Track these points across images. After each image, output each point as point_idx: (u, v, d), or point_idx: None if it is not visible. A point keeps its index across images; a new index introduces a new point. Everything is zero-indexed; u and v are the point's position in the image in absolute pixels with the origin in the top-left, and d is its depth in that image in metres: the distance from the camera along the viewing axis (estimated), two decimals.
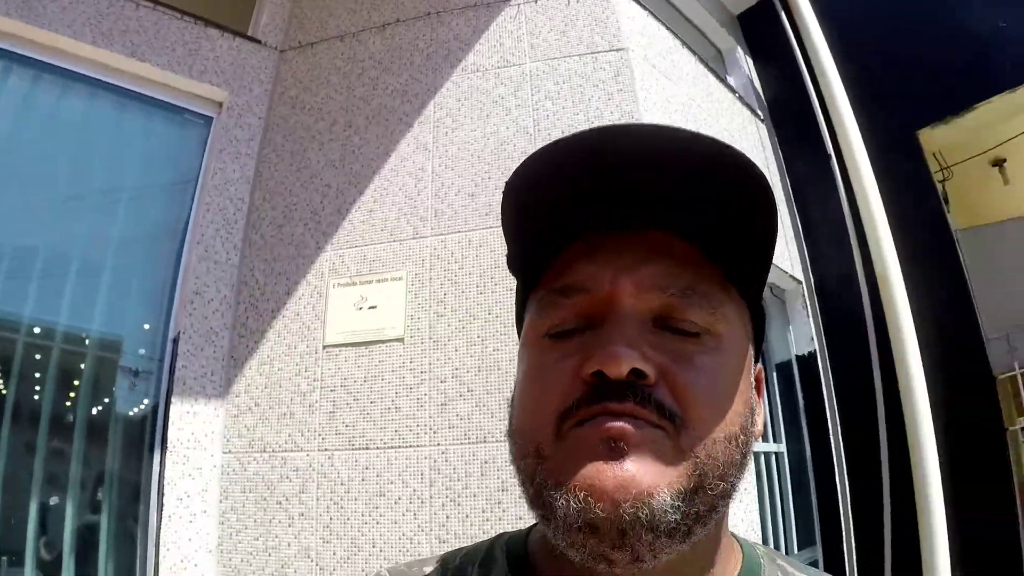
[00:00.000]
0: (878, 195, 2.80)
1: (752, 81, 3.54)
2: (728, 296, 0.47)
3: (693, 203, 0.44)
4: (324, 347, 2.19)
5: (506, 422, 0.49)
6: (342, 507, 1.93)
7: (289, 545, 1.94)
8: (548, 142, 0.43)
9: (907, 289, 2.67)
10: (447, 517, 1.86)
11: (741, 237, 0.46)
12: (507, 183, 0.46)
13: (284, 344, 2.21)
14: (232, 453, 2.10)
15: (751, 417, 0.46)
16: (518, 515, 1.79)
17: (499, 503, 1.84)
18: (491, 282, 2.14)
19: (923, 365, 2.59)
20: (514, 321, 0.57)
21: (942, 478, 2.46)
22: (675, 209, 0.44)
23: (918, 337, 2.61)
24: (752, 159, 0.42)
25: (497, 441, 1.89)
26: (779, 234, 0.51)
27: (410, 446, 1.95)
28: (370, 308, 2.22)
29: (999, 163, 3.60)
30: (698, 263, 0.46)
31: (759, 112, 3.42)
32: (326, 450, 2.02)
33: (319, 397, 2.10)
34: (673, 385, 0.42)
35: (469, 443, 1.92)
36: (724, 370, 0.44)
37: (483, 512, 1.84)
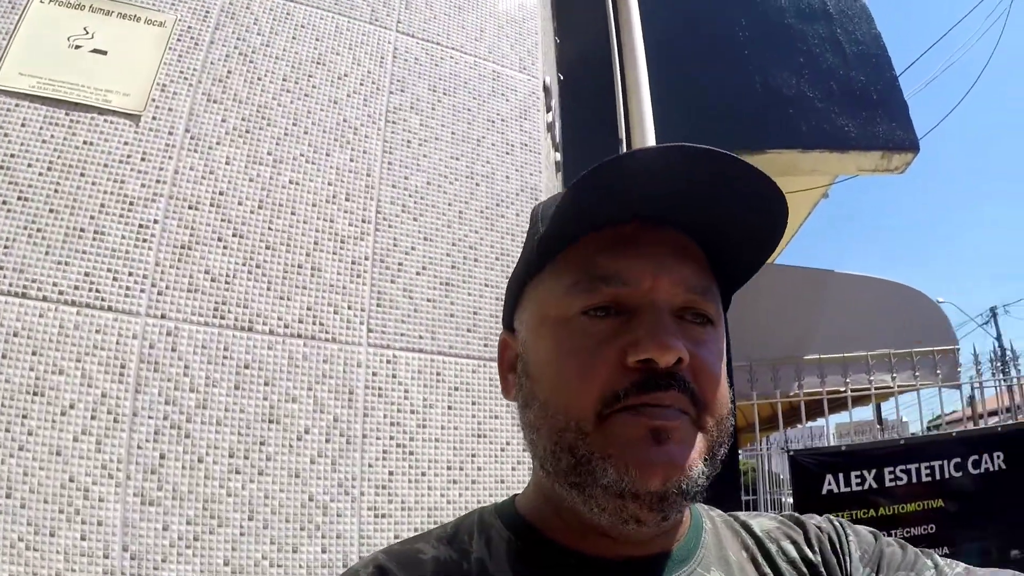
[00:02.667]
0: None
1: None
2: (718, 293, 0.55)
3: (723, 220, 0.51)
4: None
5: (521, 390, 0.55)
6: None
7: None
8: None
9: None
10: (160, 456, 1.09)
11: (748, 257, 0.55)
12: (588, 171, 0.47)
13: None
14: None
15: (731, 394, 0.54)
16: (292, 466, 1.14)
17: (262, 442, 1.13)
18: (305, 82, 1.37)
19: None
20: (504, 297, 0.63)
21: None
22: (703, 220, 0.51)
23: None
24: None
25: (272, 334, 1.19)
26: None
27: (110, 309, 1.15)
28: (94, 52, 1.32)
29: None
30: (707, 266, 0.54)
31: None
32: None
33: None
34: (695, 369, 0.49)
35: (220, 326, 1.17)
36: (721, 356, 0.52)
37: (229, 455, 1.11)
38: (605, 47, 2.61)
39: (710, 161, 0.47)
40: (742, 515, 0.62)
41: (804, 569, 0.56)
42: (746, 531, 0.59)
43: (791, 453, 2.48)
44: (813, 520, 0.60)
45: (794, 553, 0.57)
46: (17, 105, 1.25)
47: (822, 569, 0.55)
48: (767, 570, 0.55)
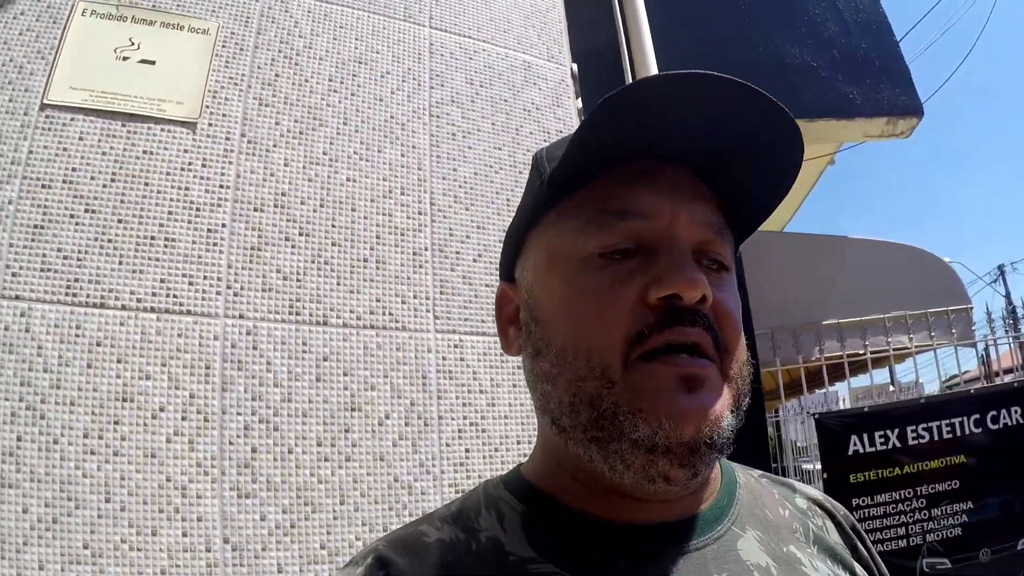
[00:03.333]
0: None
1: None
2: (731, 238, 0.52)
3: (743, 160, 0.48)
4: (43, 106, 1.28)
5: (531, 339, 0.50)
6: (40, 413, 1.08)
7: None
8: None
9: None
10: (252, 451, 1.14)
11: (758, 204, 0.52)
12: (607, 97, 0.44)
13: None
14: None
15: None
16: (376, 451, 1.19)
17: (346, 430, 1.19)
18: (351, 81, 1.40)
19: None
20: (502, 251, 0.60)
21: None
22: (717, 159, 0.48)
23: None
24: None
25: (347, 326, 1.24)
26: None
27: (189, 312, 1.19)
28: (143, 62, 1.35)
29: None
30: (720, 208, 0.51)
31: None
32: (18, 298, 1.13)
33: (18, 194, 1.20)
34: (717, 313, 0.46)
35: (297, 322, 1.22)
36: (738, 303, 0.49)
37: (317, 444, 1.17)
38: (612, 30, 2.65)
39: (741, 93, 0.44)
40: (789, 480, 0.60)
41: (854, 539, 0.56)
42: (789, 491, 0.58)
43: (816, 416, 2.55)
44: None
45: (843, 526, 0.57)
46: (72, 119, 1.28)
47: (863, 553, 0.56)
48: (809, 532, 0.54)
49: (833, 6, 3.00)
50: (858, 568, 0.53)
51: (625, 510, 0.47)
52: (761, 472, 0.60)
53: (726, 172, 0.49)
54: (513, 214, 0.58)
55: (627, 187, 0.48)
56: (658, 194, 0.47)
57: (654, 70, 2.48)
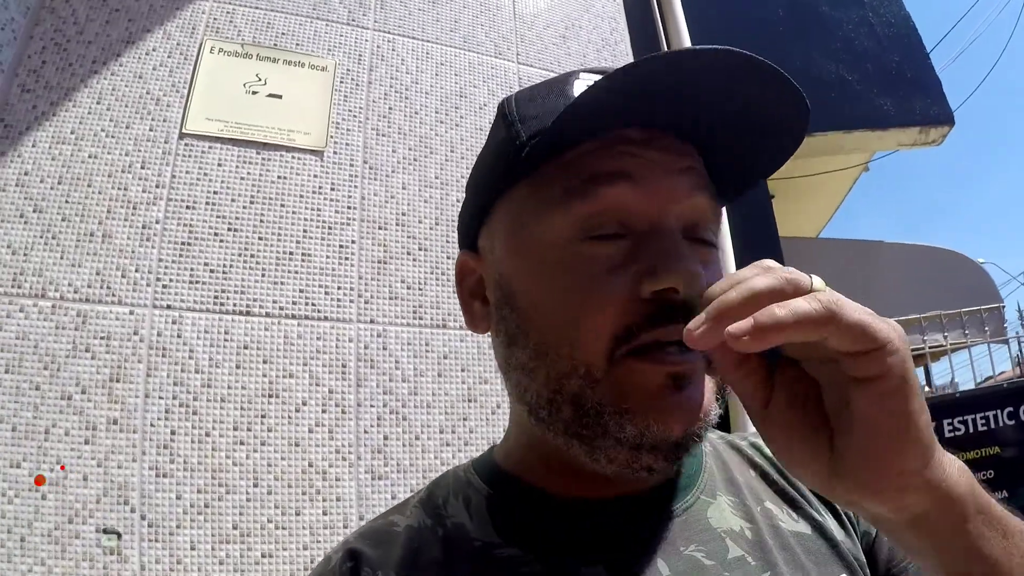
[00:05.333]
0: None
1: None
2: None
3: (742, 132, 0.45)
4: (182, 135, 1.46)
5: (504, 324, 0.47)
6: (193, 409, 1.25)
7: (86, 479, 1.16)
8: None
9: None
10: (384, 438, 1.33)
11: (758, 169, 0.48)
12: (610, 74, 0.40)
13: (106, 116, 1.40)
14: None
15: None
16: (491, 437, 1.37)
17: (464, 418, 1.38)
18: (455, 113, 1.58)
19: None
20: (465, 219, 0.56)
21: None
22: (715, 130, 0.45)
23: None
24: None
25: (463, 328, 1.41)
26: None
27: (326, 319, 1.38)
28: (271, 96, 1.53)
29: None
30: (709, 180, 0.47)
31: None
32: (169, 307, 1.31)
33: (164, 215, 1.36)
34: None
35: (420, 325, 1.41)
36: None
37: (440, 431, 1.35)
38: (654, 48, 2.80)
39: (750, 67, 0.40)
40: (749, 435, 0.58)
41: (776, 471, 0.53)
42: (753, 448, 0.56)
43: None
44: None
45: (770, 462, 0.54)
46: (211, 147, 1.46)
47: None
48: (783, 483, 0.52)
49: (866, 21, 3.14)
50: (788, 488, 0.52)
51: (594, 487, 0.47)
52: (720, 434, 0.58)
53: (721, 142, 0.46)
54: None
55: (610, 153, 0.43)
56: (649, 162, 0.43)
57: None
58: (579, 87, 0.46)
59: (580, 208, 0.43)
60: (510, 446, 0.52)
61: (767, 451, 0.53)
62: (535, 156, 0.45)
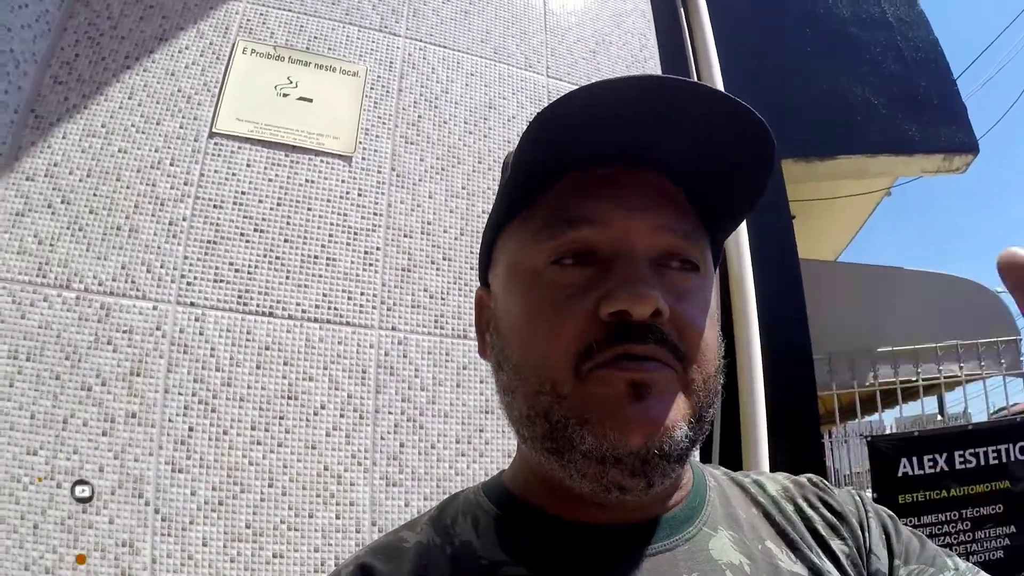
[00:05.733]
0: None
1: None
2: (705, 240, 0.51)
3: (704, 156, 0.47)
4: (212, 134, 1.47)
5: (494, 351, 0.51)
6: (212, 407, 1.25)
7: (102, 470, 1.16)
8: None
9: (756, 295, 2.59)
10: (400, 445, 1.33)
11: (741, 195, 0.50)
12: (543, 110, 0.44)
13: (137, 112, 1.41)
14: (3, 284, 1.23)
15: (721, 349, 0.50)
16: (507, 449, 1.37)
17: (480, 430, 1.37)
18: (483, 124, 1.58)
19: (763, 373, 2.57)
20: (479, 253, 0.60)
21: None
22: (685, 160, 0.47)
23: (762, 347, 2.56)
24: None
25: None
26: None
27: (348, 324, 1.38)
28: (301, 100, 1.53)
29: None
30: (691, 210, 0.49)
31: None
32: (192, 305, 1.31)
33: (191, 213, 1.37)
34: (678, 324, 0.45)
35: (441, 335, 1.41)
36: (707, 307, 0.47)
37: (456, 441, 1.35)
38: (683, 71, 2.80)
39: (692, 96, 0.44)
40: (753, 473, 0.60)
41: (832, 518, 0.53)
42: (757, 487, 0.57)
43: (869, 439, 2.68)
44: (837, 488, 0.57)
45: (819, 507, 0.54)
46: (240, 148, 1.47)
47: (845, 533, 0.53)
48: (784, 525, 0.53)
49: (894, 44, 3.13)
50: (835, 543, 0.52)
51: (596, 513, 0.47)
52: (724, 470, 0.59)
53: (697, 176, 0.48)
54: None
55: (582, 194, 0.47)
56: (613, 200, 0.46)
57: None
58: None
59: (549, 245, 0.47)
60: (516, 469, 0.54)
61: (770, 490, 0.56)
62: (513, 197, 0.50)
